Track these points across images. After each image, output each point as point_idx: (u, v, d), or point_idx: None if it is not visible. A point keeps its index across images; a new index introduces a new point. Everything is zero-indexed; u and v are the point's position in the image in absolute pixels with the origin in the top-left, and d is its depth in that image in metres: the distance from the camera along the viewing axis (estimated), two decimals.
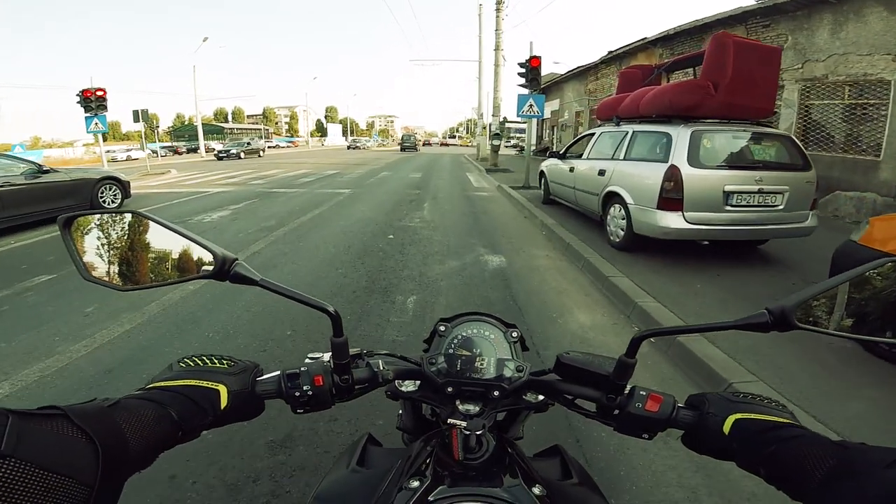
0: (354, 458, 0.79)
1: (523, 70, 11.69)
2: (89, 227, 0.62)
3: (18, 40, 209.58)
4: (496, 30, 19.87)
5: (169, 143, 56.58)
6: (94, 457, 0.40)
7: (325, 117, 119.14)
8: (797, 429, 0.54)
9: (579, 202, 6.94)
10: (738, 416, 0.58)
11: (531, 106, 11.46)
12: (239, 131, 74.08)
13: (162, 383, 0.57)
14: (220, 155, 31.25)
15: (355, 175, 16.25)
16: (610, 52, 19.23)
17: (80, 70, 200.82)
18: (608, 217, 5.83)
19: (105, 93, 14.09)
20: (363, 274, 4.79)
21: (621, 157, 5.73)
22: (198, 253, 0.63)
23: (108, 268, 0.62)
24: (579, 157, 7.39)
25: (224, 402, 0.59)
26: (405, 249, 5.72)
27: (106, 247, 0.62)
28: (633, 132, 5.72)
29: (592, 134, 6.98)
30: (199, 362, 0.62)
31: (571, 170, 7.13)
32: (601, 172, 6.00)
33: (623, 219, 5.46)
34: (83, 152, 48.47)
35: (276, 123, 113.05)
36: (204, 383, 0.58)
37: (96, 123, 14.07)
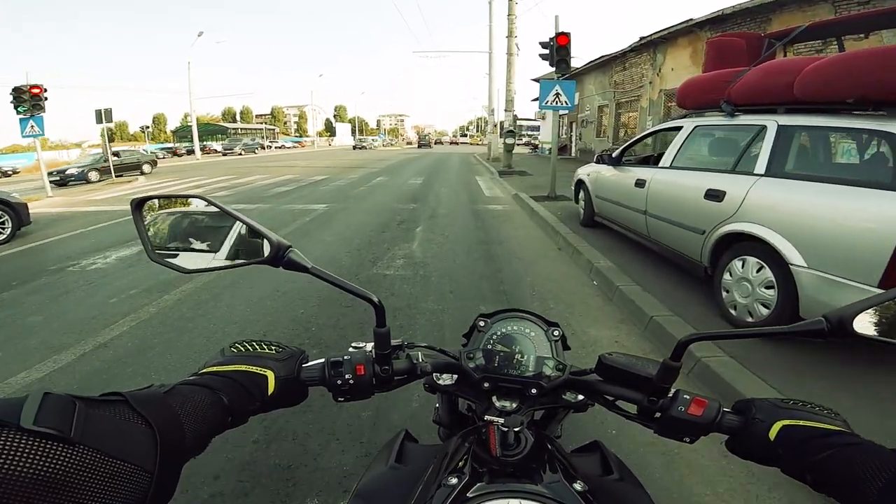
0: (392, 455, 0.77)
1: (546, 51, 9.07)
2: (159, 209, 0.66)
3: (24, 37, 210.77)
4: (509, 14, 17.26)
5: (170, 144, 55.06)
6: (152, 443, 0.40)
7: (334, 116, 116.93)
8: (850, 436, 0.52)
9: (656, 235, 4.34)
10: (786, 422, 0.56)
11: (558, 95, 8.84)
12: (243, 131, 72.01)
13: (214, 368, 0.57)
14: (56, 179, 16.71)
15: (344, 182, 13.69)
16: (642, 38, 16.47)
17: (87, 68, 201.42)
18: (728, 276, 3.26)
19: (41, 90, 11.76)
20: (256, 431, 2.29)
21: (759, 170, 3.13)
22: (255, 239, 0.65)
23: (174, 249, 0.66)
24: (650, 162, 4.82)
25: (271, 387, 0.59)
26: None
27: (173, 229, 0.67)
28: (783, 128, 3.12)
29: (676, 128, 4.38)
30: (249, 347, 0.63)
31: (640, 184, 4.53)
32: (713, 196, 3.40)
33: (770, 287, 2.91)
34: (78, 154, 46.71)
35: (285, 123, 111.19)
36: (253, 368, 0.59)
37: (32, 126, 11.77)
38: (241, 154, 43.10)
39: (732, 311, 3.28)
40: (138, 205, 0.65)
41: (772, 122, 3.22)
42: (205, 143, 52.99)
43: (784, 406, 0.59)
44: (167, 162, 34.78)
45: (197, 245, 0.67)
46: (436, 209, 8.56)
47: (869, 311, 0.53)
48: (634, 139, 5.22)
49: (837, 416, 0.58)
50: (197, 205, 0.67)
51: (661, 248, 4.29)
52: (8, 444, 0.32)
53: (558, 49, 8.57)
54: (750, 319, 3.12)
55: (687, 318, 3.38)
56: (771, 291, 2.94)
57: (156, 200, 0.67)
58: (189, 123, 42.52)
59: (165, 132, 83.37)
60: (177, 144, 53.09)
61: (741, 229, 3.11)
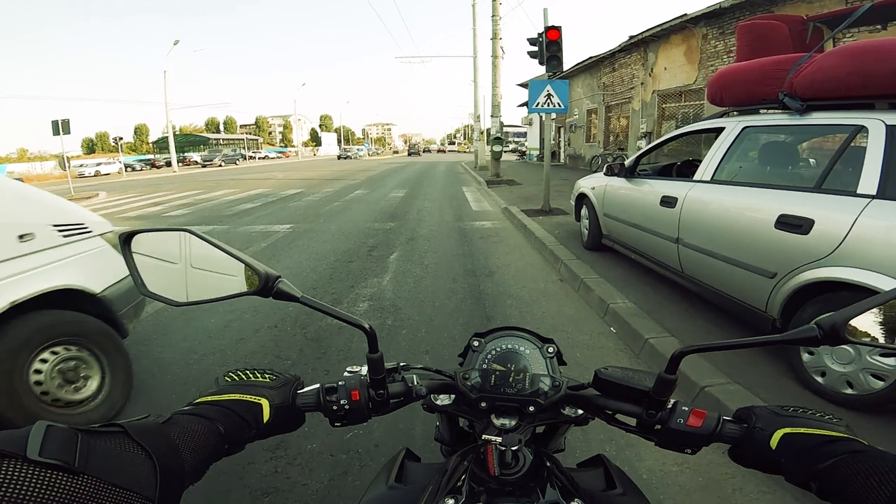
0: (392, 474, 0.77)
1: (535, 48, 8.14)
2: (147, 243, 0.66)
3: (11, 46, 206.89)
4: (493, 16, 16.37)
5: (150, 156, 53.66)
6: (152, 471, 0.42)
7: (320, 126, 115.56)
8: (855, 443, 0.51)
9: (694, 272, 3.32)
10: (787, 430, 0.55)
11: (550, 96, 7.87)
12: (225, 142, 70.41)
13: (209, 398, 0.58)
14: None
15: (318, 197, 12.53)
16: (632, 37, 15.67)
17: (65, 80, 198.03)
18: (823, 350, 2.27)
19: None
20: None
21: (866, 189, 2.13)
22: (244, 270, 0.64)
23: (164, 282, 0.66)
24: (674, 173, 3.87)
25: (266, 415, 0.60)
26: (276, 480, 2.12)
27: (162, 262, 0.66)
28: None
29: (714, 130, 3.40)
30: (243, 376, 0.64)
31: (668, 203, 3.52)
32: (792, 225, 2.40)
33: (890, 354, 1.98)
34: (53, 167, 44.90)
35: (270, 133, 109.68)
36: (247, 397, 0.59)
37: None
38: (221, 165, 41.85)
39: (819, 379, 2.33)
40: (126, 240, 0.64)
41: (875, 122, 2.23)
42: (185, 154, 51.58)
43: (784, 414, 0.58)
44: (140, 175, 33.45)
45: (186, 278, 0.65)
46: (416, 229, 7.50)
47: (861, 316, 0.52)
48: (652, 145, 4.21)
49: (840, 422, 0.56)
50: (185, 238, 0.65)
51: (700, 289, 3.29)
52: (16, 474, 0.33)
53: (549, 44, 7.62)
54: (849, 392, 2.20)
55: (753, 387, 2.42)
56: (891, 361, 1.98)
57: (144, 234, 0.66)
58: (175, 133, 41.28)
59: (147, 143, 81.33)
60: (156, 156, 51.67)
61: (842, 277, 2.11)
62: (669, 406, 0.63)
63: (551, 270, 5.07)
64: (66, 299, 2.20)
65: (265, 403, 0.60)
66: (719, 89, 3.49)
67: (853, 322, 0.52)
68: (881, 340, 0.53)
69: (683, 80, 13.00)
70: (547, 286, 4.58)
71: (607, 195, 4.70)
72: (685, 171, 4.12)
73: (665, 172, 4.28)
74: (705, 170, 3.21)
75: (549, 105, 7.87)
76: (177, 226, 0.68)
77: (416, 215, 8.91)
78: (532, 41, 8.21)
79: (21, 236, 2.02)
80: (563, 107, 7.85)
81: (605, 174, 4.71)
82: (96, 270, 2.38)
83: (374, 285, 4.61)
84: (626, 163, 4.34)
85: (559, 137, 25.73)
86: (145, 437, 0.43)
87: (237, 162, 45.69)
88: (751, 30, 3.84)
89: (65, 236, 2.24)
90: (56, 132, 15.20)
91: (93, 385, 2.28)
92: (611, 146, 18.64)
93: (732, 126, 3.14)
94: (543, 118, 9.26)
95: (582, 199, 5.50)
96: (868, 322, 0.52)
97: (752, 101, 3.19)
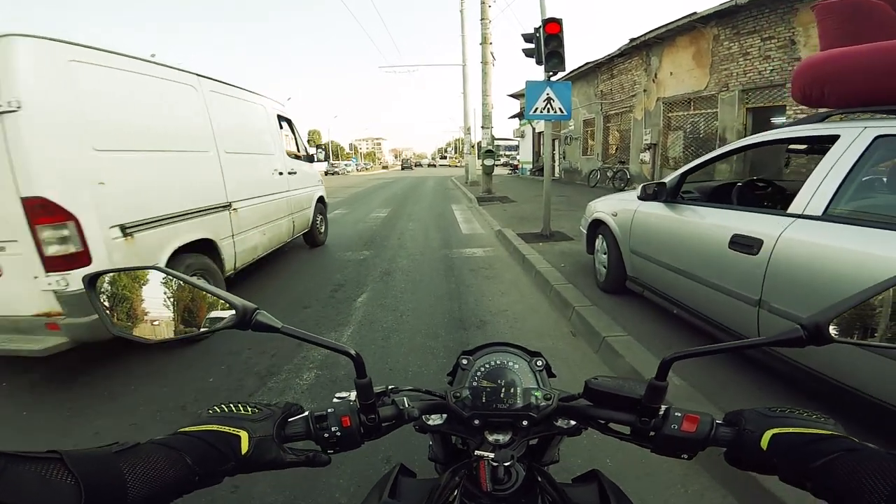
0: (386, 490, 0.74)
1: (531, 45, 7.04)
2: (114, 283, 0.63)
3: None
4: (482, 19, 15.45)
5: None
6: (75, 499, 0.40)
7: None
8: (847, 441, 0.50)
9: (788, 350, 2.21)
10: (776, 430, 0.54)
11: (549, 100, 6.78)
12: None
13: (186, 429, 0.56)
14: None
15: None
16: (632, 40, 14.73)
17: None
18: None
19: None
20: None
21: None
22: (219, 305, 0.62)
23: (135, 322, 0.62)
24: (736, 199, 2.82)
25: (245, 447, 0.57)
26: None
27: (131, 302, 0.62)
28: None
29: (820, 140, 2.31)
30: (227, 409, 0.61)
31: (741, 246, 2.37)
32: None
33: None
34: None
35: None
36: (225, 429, 0.57)
37: None
38: None
39: None
40: (91, 281, 0.61)
41: None
42: None
43: (773, 414, 0.57)
44: None
45: (159, 315, 0.62)
46: (394, 260, 6.32)
47: (844, 315, 0.50)
48: (708, 157, 3.01)
49: (828, 420, 0.55)
50: (154, 275, 0.62)
51: (793, 370, 2.16)
52: None
53: (547, 39, 6.52)
54: None
55: None
56: None
57: (110, 275, 0.63)
58: None
59: None
60: None
61: None
62: (662, 413, 0.61)
63: (559, 319, 3.94)
64: (320, 201, 7.32)
65: (244, 436, 0.57)
66: (818, 82, 2.37)
67: (839, 320, 0.49)
68: (870, 339, 0.50)
69: (692, 86, 12.02)
70: (556, 344, 3.44)
71: (638, 226, 3.55)
72: (749, 195, 3.02)
73: (720, 197, 3.17)
74: (811, 198, 2.08)
75: (548, 111, 6.77)
76: (144, 264, 0.64)
77: (398, 241, 7.74)
78: (527, 37, 7.13)
79: (319, 180, 7.45)
80: (565, 113, 6.76)
81: (639, 197, 3.55)
82: (324, 191, 7.56)
83: (324, 350, 3.45)
84: (668, 182, 3.20)
85: (554, 150, 24.81)
86: (81, 465, 0.42)
87: None
88: (842, 9, 2.77)
89: (319, 181, 7.43)
90: None
91: (322, 226, 7.46)
92: (610, 159, 17.66)
93: (853, 134, 2.02)
94: (538, 126, 8.17)
95: (597, 226, 4.37)
96: (855, 320, 0.50)
97: (882, 98, 2.09)
